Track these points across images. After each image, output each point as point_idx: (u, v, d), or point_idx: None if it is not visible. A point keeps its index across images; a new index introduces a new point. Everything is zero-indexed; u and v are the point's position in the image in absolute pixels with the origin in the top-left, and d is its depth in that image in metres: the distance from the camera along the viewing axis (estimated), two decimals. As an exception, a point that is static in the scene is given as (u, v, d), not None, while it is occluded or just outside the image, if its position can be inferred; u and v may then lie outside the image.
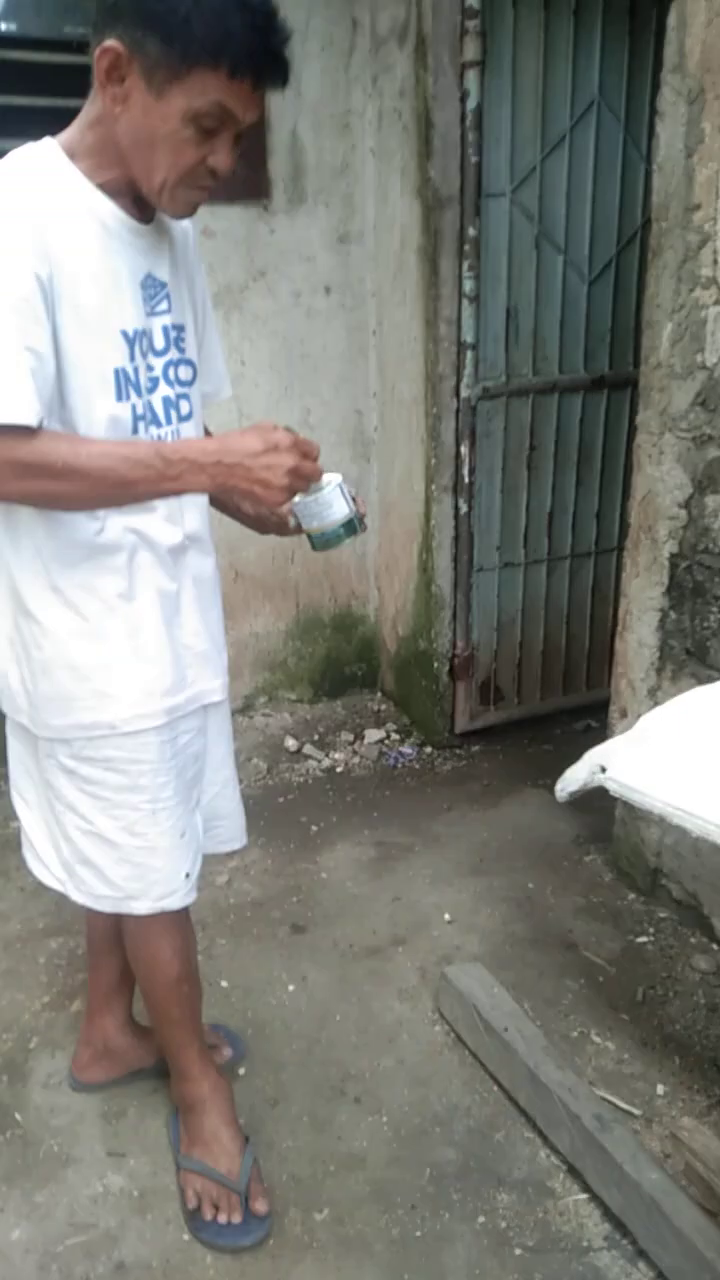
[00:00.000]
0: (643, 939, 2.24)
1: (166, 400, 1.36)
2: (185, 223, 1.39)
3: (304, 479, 1.26)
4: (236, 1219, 1.56)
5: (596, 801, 1.75)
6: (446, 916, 2.32)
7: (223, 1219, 1.56)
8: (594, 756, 1.58)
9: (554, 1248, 1.54)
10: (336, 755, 3.10)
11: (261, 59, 1.17)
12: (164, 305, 1.34)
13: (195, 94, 1.16)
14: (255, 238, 2.89)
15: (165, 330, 1.35)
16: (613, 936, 2.25)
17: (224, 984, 2.10)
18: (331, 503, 1.31)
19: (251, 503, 1.31)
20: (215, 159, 1.22)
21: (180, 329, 1.38)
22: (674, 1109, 1.78)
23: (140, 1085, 1.84)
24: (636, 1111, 1.78)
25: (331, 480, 1.30)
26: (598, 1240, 1.55)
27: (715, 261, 1.93)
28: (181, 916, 1.56)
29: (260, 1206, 1.58)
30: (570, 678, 3.29)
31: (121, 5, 1.14)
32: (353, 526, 1.34)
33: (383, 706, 3.42)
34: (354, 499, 1.34)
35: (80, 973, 2.07)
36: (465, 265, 2.67)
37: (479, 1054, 1.89)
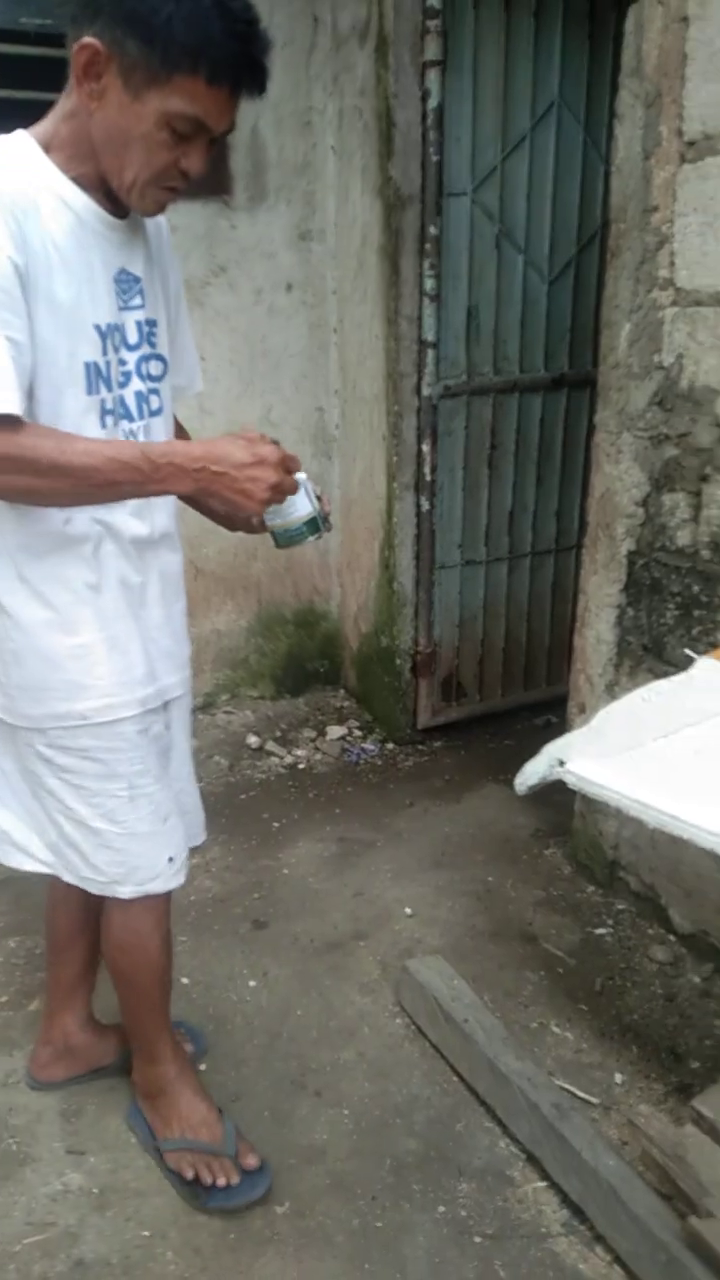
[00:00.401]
0: (601, 931, 2.27)
1: (138, 395, 1.37)
2: (160, 217, 1.39)
3: (283, 494, 1.27)
4: (235, 1180, 1.59)
5: (556, 795, 1.77)
6: (408, 910, 2.34)
7: (221, 1182, 1.59)
8: (552, 750, 1.60)
9: (513, 1235, 1.56)
10: (299, 752, 3.10)
11: (241, 67, 1.17)
12: (137, 300, 1.35)
13: (172, 98, 1.16)
14: (216, 234, 2.88)
15: (138, 325, 1.36)
16: (572, 928, 2.28)
17: (185, 980, 2.09)
18: (296, 501, 1.31)
19: (228, 509, 1.33)
20: (188, 162, 1.23)
21: (153, 324, 1.39)
22: (632, 1097, 1.81)
23: (99, 1083, 1.83)
24: (595, 1100, 1.80)
25: (297, 478, 1.31)
26: (556, 1227, 1.57)
27: (672, 263, 1.96)
28: (167, 904, 1.58)
29: (252, 1160, 1.62)
30: (531, 674, 3.32)
31: (101, 2, 1.14)
32: (316, 525, 1.34)
33: (345, 703, 3.43)
34: (319, 498, 1.35)
35: (38, 971, 2.05)
36: (426, 264, 2.68)
37: (439, 1046, 1.90)
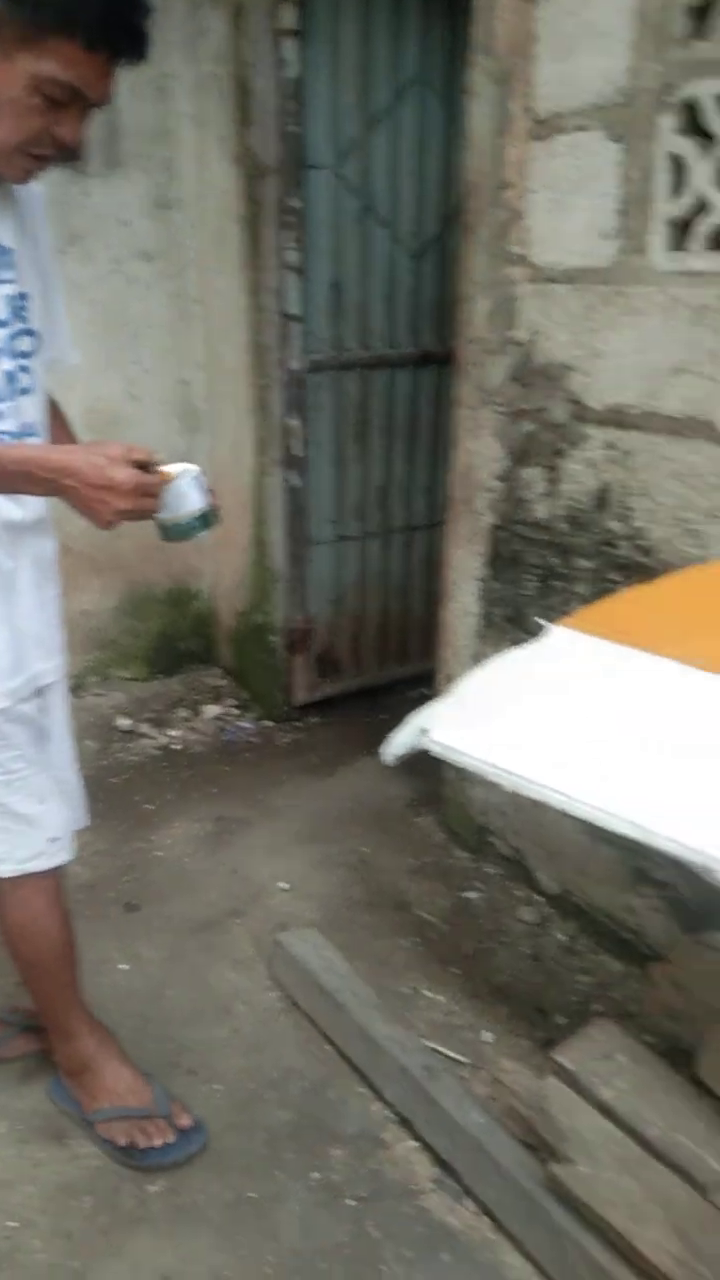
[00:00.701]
0: (472, 895, 2.33)
1: (7, 374, 1.32)
2: (33, 184, 1.33)
3: (139, 516, 1.23)
4: (171, 1138, 1.62)
5: (429, 766, 1.80)
6: (283, 885, 2.35)
7: (159, 1142, 1.62)
8: (417, 720, 1.63)
9: (385, 1195, 1.59)
10: (173, 733, 3.07)
11: (119, 32, 1.12)
12: (8, 274, 1.30)
13: (44, 62, 1.10)
14: (69, 201, 2.79)
15: (8, 300, 1.30)
16: (443, 894, 2.33)
17: (55, 968, 2.05)
18: (187, 494, 1.28)
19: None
20: (62, 130, 1.17)
21: (24, 297, 1.33)
22: (500, 1055, 1.86)
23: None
24: (465, 1060, 1.85)
25: (187, 471, 1.27)
26: (426, 1184, 1.61)
27: (525, 240, 1.99)
28: (59, 882, 1.57)
29: (185, 1120, 1.65)
30: (405, 648, 3.36)
31: None
32: (207, 519, 1.31)
33: (221, 682, 3.40)
34: (209, 491, 1.32)
35: None
36: (288, 236, 2.66)
37: (313, 1017, 1.92)
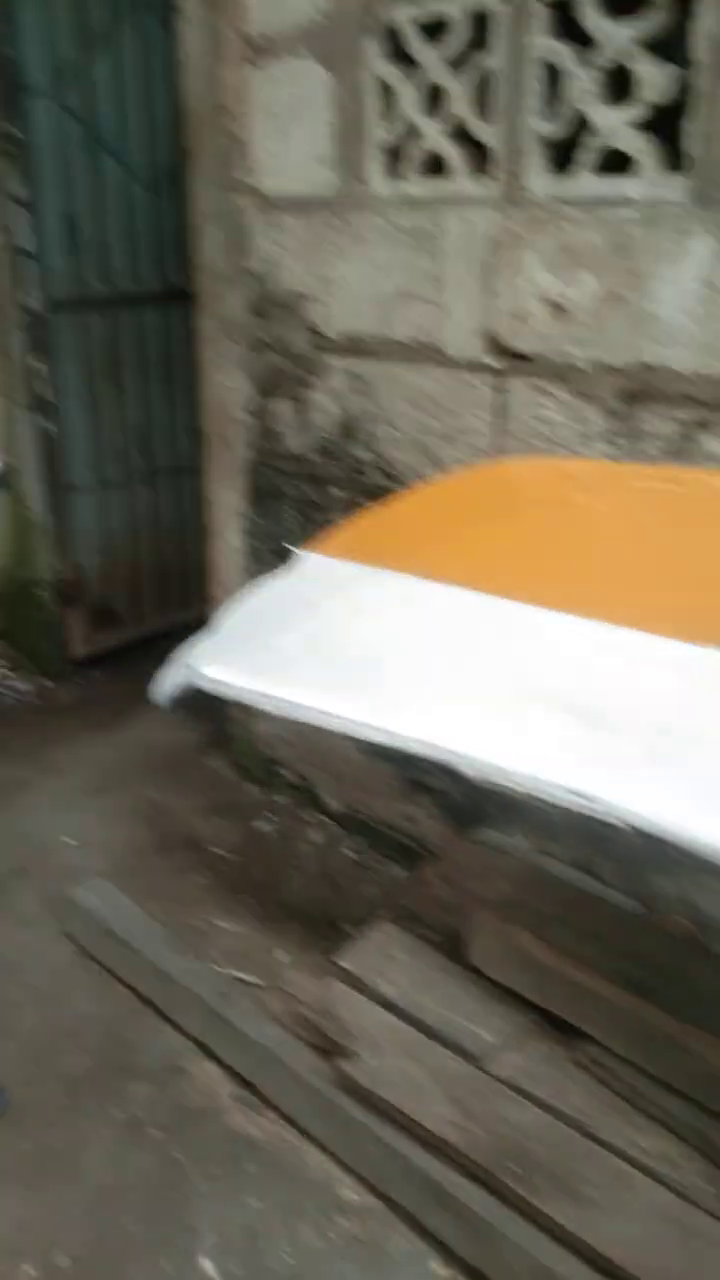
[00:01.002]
0: (263, 825, 2.38)
1: None
2: None
3: None
4: None
5: (215, 708, 1.81)
6: (70, 841, 2.31)
7: None
8: (184, 657, 1.65)
9: (189, 1121, 1.63)
10: (-60, 701, 2.93)
11: None
12: None
13: None
14: None
15: None
16: (235, 829, 2.37)
17: None
18: None
19: None
20: None
21: None
22: (294, 971, 1.93)
23: None
24: (261, 982, 1.90)
25: None
26: (229, 1103, 1.67)
27: (250, 168, 1.97)
28: None
29: None
30: (186, 593, 3.32)
31: None
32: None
33: (-10, 644, 3.27)
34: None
35: None
36: (8, 166, 2.51)
37: (107, 964, 1.92)
